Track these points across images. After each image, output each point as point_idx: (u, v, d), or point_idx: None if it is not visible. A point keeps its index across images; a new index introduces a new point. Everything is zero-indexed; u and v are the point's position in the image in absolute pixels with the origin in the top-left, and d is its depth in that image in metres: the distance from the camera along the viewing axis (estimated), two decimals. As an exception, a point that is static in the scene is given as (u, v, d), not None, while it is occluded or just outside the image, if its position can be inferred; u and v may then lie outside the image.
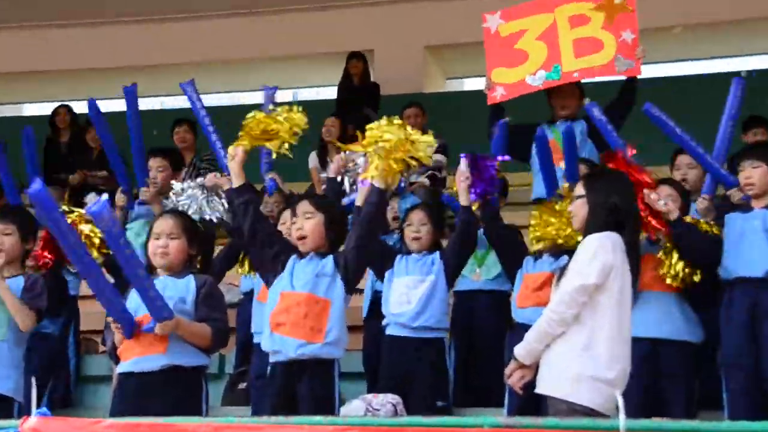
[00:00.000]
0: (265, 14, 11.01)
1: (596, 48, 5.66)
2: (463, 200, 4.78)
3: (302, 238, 4.04)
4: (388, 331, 4.84)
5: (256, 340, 4.89)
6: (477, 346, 5.23)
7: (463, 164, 4.81)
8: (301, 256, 4.06)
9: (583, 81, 5.99)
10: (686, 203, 4.63)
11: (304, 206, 4.06)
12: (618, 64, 5.61)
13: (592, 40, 5.67)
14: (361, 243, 3.95)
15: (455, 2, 10.39)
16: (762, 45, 10.32)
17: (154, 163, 5.63)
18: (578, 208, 3.75)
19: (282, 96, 11.80)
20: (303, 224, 4.02)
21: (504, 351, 5.14)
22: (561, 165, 5.52)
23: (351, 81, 9.60)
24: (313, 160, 8.10)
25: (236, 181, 4.07)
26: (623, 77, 5.81)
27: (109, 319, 3.77)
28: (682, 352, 4.42)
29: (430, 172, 7.57)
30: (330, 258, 4.02)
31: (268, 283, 4.09)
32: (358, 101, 9.17)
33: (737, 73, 9.61)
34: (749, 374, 4.30)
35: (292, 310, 3.92)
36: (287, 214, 5.04)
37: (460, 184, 4.76)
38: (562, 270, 3.68)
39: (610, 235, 3.57)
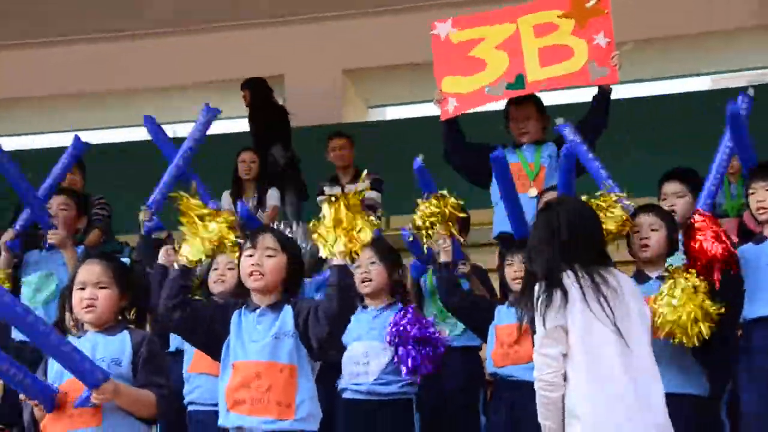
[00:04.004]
0: (154, 37, 10.83)
1: (565, 55, 5.50)
2: None
3: (258, 274, 3.77)
4: (345, 395, 4.73)
5: (192, 408, 4.73)
6: (447, 408, 5.13)
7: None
8: (248, 306, 3.80)
9: (546, 98, 5.92)
10: (674, 235, 4.52)
11: (267, 241, 3.82)
12: (592, 73, 5.45)
13: (561, 48, 5.52)
14: (334, 324, 3.67)
15: (375, 20, 10.46)
16: (717, 62, 10.69)
17: (56, 201, 5.44)
18: None
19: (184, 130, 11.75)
20: (263, 261, 3.77)
21: (478, 412, 5.08)
22: (529, 193, 5.51)
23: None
24: (226, 200, 7.95)
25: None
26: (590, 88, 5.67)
27: (22, 396, 3.57)
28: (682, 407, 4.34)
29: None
30: (288, 310, 3.74)
31: (215, 357, 3.80)
32: (268, 134, 8.97)
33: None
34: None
35: (252, 383, 3.64)
36: (222, 258, 4.90)
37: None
38: None
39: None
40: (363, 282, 4.76)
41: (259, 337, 3.72)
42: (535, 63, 5.54)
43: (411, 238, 5.19)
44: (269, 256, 3.79)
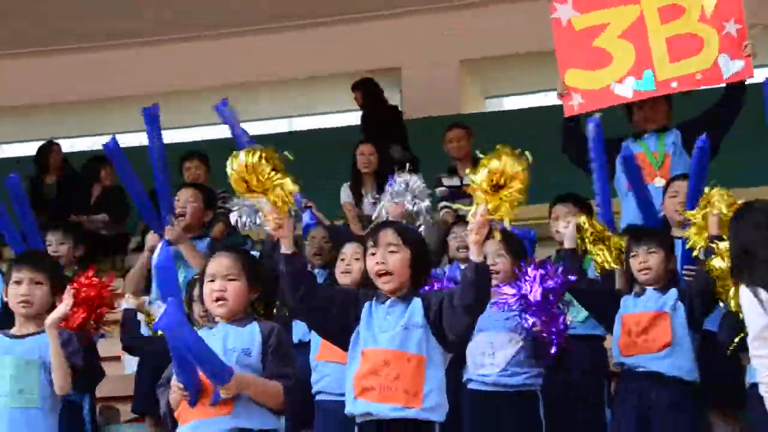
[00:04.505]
0: (277, 32, 10.97)
1: (695, 48, 5.30)
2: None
3: (384, 274, 3.81)
4: (471, 386, 4.73)
5: (320, 398, 4.81)
6: (571, 400, 5.10)
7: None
8: (378, 298, 3.84)
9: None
10: None
11: (389, 236, 3.83)
12: (724, 69, 5.25)
13: (689, 38, 5.31)
14: (462, 321, 3.65)
15: (492, 9, 10.42)
16: None
17: (184, 195, 5.57)
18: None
19: (281, 126, 11.94)
20: (386, 258, 3.79)
21: (603, 403, 5.04)
22: (654, 182, 5.44)
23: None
24: (345, 193, 8.01)
25: (287, 246, 3.76)
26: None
27: (174, 381, 3.67)
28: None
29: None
30: (417, 303, 3.75)
31: (345, 346, 3.83)
32: (382, 134, 8.96)
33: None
34: None
35: (381, 371, 3.68)
36: (348, 248, 4.96)
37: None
38: None
39: None
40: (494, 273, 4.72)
41: (389, 327, 3.74)
42: (664, 57, 5.35)
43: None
44: (392, 252, 3.79)
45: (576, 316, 5.12)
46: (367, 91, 9.36)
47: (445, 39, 10.55)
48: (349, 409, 3.78)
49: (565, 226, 4.87)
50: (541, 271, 4.58)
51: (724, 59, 5.30)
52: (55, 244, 6.02)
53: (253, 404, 3.67)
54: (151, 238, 5.61)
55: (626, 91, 5.44)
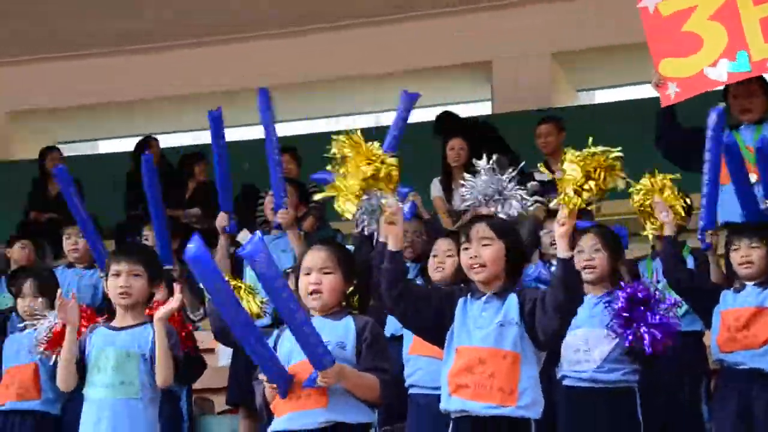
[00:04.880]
0: (365, 27, 11.02)
1: None
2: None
3: (479, 266, 3.79)
4: (566, 383, 4.70)
5: (412, 391, 4.83)
6: (668, 396, 5.04)
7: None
8: (473, 294, 3.82)
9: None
10: None
11: (482, 230, 3.82)
12: None
13: None
14: (555, 322, 3.62)
15: (583, 2, 10.30)
16: None
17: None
18: None
19: (367, 121, 11.97)
20: (480, 252, 3.78)
21: (700, 400, 4.97)
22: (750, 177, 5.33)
23: None
24: (436, 188, 8.03)
25: (395, 244, 3.76)
26: None
27: (261, 376, 3.72)
28: None
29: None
30: (513, 299, 3.73)
31: (441, 344, 3.83)
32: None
33: None
34: None
35: (475, 369, 3.67)
36: (440, 244, 4.97)
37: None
38: None
39: None
40: (585, 268, 4.67)
41: (484, 324, 3.73)
42: (758, 37, 5.18)
43: None
44: (485, 245, 3.78)
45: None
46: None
47: (536, 32, 10.46)
48: (443, 406, 3.78)
49: (666, 214, 4.79)
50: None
51: None
52: (152, 239, 6.16)
53: (349, 398, 3.68)
54: (221, 218, 5.70)
55: (720, 74, 5.29)
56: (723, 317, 4.64)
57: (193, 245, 3.42)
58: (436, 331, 3.83)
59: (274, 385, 3.67)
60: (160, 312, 4.19)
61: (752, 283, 4.64)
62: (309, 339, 3.57)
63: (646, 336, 4.41)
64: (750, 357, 4.50)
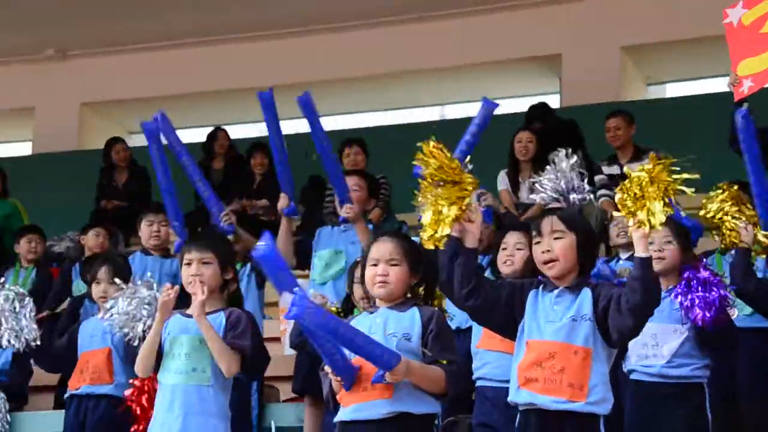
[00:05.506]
0: (434, 20, 11.03)
1: None
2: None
3: (550, 261, 3.77)
4: (634, 377, 4.70)
5: (480, 384, 4.85)
6: (739, 393, 5.01)
7: None
8: (545, 287, 3.81)
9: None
10: None
11: (552, 223, 3.79)
12: None
13: None
14: (632, 322, 3.59)
15: (654, -6, 10.25)
16: None
17: (350, 182, 5.72)
18: None
19: (433, 114, 11.97)
20: (552, 245, 3.76)
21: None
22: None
23: None
24: (503, 180, 8.04)
25: (472, 241, 3.78)
26: None
27: (327, 368, 3.75)
28: None
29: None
30: (586, 293, 3.70)
31: (511, 338, 3.85)
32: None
33: None
34: None
35: (545, 363, 3.66)
36: (510, 238, 4.97)
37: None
38: None
39: None
40: (654, 259, 4.65)
41: (556, 318, 3.73)
42: None
43: None
44: (557, 238, 3.77)
45: (743, 309, 5.02)
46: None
47: (606, 25, 10.40)
48: (512, 398, 3.79)
49: (746, 227, 4.79)
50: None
51: None
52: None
53: (413, 389, 3.70)
54: (282, 200, 5.81)
55: None
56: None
57: (263, 244, 3.49)
58: (507, 325, 3.84)
59: (339, 378, 3.71)
60: (193, 311, 4.26)
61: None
62: (369, 348, 3.62)
63: (692, 304, 4.43)
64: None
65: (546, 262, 3.79)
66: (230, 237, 5.91)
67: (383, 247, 3.89)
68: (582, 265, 3.80)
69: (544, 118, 8.82)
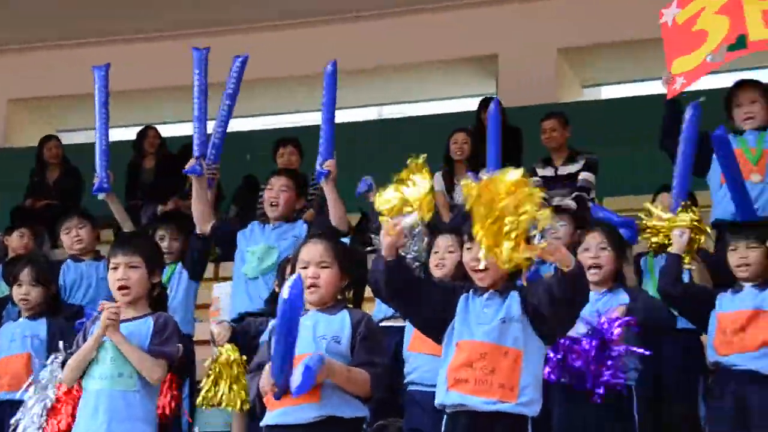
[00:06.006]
0: (370, 20, 11.00)
1: None
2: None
3: (480, 271, 3.76)
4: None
5: (410, 388, 4.83)
6: (664, 395, 5.06)
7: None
8: (475, 291, 3.82)
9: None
10: None
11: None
12: None
13: None
14: (555, 314, 3.63)
15: (591, -4, 10.33)
16: None
17: (277, 183, 5.67)
18: None
19: (371, 113, 11.97)
20: (478, 253, 3.65)
21: (698, 400, 4.98)
22: (751, 178, 5.36)
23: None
24: (438, 182, 8.01)
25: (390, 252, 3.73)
26: None
27: (267, 372, 3.69)
28: None
29: (576, 193, 7.44)
30: (515, 296, 3.74)
31: (438, 340, 3.86)
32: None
33: None
34: None
35: (476, 364, 3.66)
36: (441, 241, 4.94)
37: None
38: None
39: None
40: (591, 268, 4.65)
41: (486, 320, 3.74)
42: (758, 22, 5.31)
43: None
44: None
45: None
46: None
47: (542, 27, 10.46)
48: (439, 400, 3.78)
49: (681, 234, 4.82)
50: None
51: None
52: (168, 239, 6.24)
53: (341, 392, 3.70)
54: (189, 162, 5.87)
55: (719, 56, 5.41)
56: (720, 320, 4.66)
57: (294, 288, 3.50)
58: (436, 326, 3.83)
59: (275, 388, 3.65)
60: (101, 329, 4.14)
61: (750, 284, 4.65)
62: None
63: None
64: (745, 359, 4.51)
65: (475, 271, 3.79)
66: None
67: (314, 250, 3.87)
68: (512, 272, 3.77)
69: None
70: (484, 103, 9.08)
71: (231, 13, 11.14)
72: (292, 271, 3.92)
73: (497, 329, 3.69)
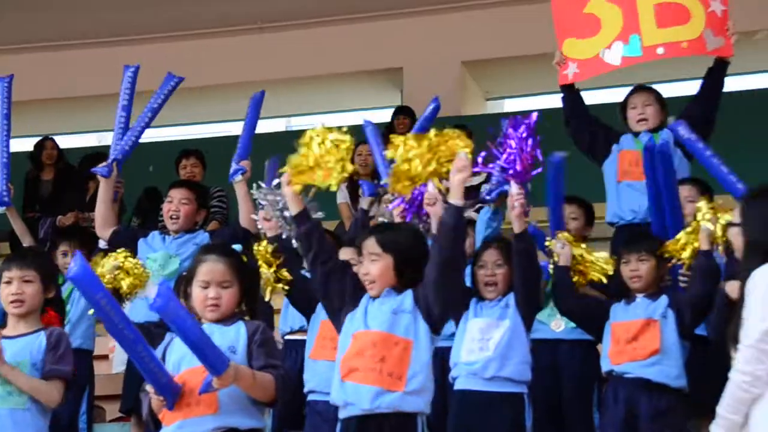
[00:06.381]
0: (277, 31, 11.00)
1: (682, 17, 5.37)
2: (516, 227, 4.58)
3: (369, 283, 3.95)
4: (458, 386, 4.75)
5: (311, 398, 4.83)
6: (560, 404, 5.14)
7: (515, 186, 4.60)
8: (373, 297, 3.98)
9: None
10: None
11: (369, 246, 3.96)
12: (708, 42, 5.35)
13: (677, 8, 5.38)
14: (439, 278, 3.82)
15: (494, 11, 10.45)
16: None
17: (177, 195, 5.63)
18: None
19: (279, 125, 11.93)
20: (369, 268, 3.93)
21: (592, 408, 5.08)
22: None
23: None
24: (342, 193, 8.05)
25: (293, 208, 4.04)
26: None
27: (149, 388, 3.67)
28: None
29: (479, 205, 7.52)
30: (408, 293, 3.90)
31: (339, 327, 3.98)
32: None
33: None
34: None
35: (367, 352, 3.81)
36: (343, 254, 4.93)
37: (514, 208, 4.55)
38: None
39: None
40: (487, 284, 4.80)
41: (379, 312, 3.90)
42: (651, 22, 5.45)
43: None
44: (373, 260, 3.94)
45: (569, 322, 5.16)
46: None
47: (446, 40, 10.59)
48: (333, 396, 3.88)
49: (562, 246, 4.90)
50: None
51: (708, 33, 5.41)
52: (70, 254, 6.08)
53: (240, 403, 3.68)
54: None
55: (615, 58, 5.54)
56: (614, 330, 4.76)
57: (75, 265, 3.42)
58: (339, 308, 3.99)
59: (162, 398, 3.63)
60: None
61: (642, 295, 4.75)
62: (206, 350, 3.54)
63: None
64: (637, 367, 4.61)
65: (366, 283, 3.96)
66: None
67: (216, 269, 3.82)
68: (401, 280, 3.94)
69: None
70: (396, 113, 9.22)
71: (132, 24, 11.03)
72: (187, 287, 3.86)
73: (389, 320, 3.85)
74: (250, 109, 6.08)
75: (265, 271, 4.83)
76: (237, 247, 4.05)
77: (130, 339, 3.54)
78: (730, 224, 3.80)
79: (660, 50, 5.46)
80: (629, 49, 5.48)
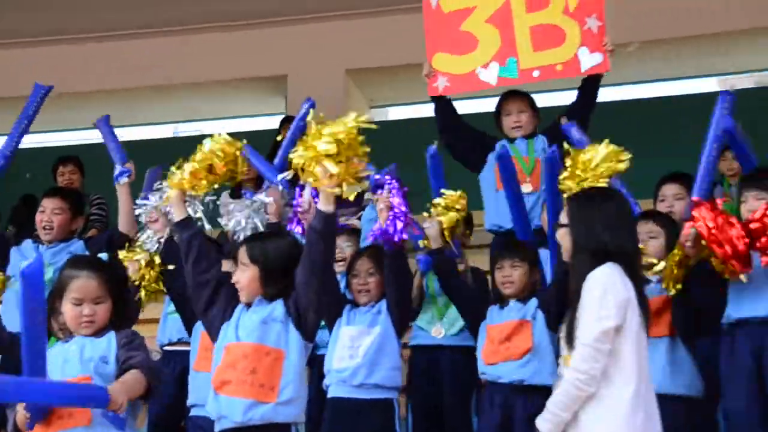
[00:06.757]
0: (161, 36, 10.88)
1: (557, 39, 5.52)
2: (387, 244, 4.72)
3: (240, 291, 4.04)
4: (330, 393, 4.80)
5: (194, 412, 4.82)
6: (440, 409, 5.21)
7: (386, 190, 4.73)
8: (248, 304, 4.02)
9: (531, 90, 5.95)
10: (675, 236, 4.65)
11: (240, 254, 4.04)
12: (583, 60, 5.49)
13: (552, 29, 5.53)
14: (307, 280, 3.88)
15: (378, 20, 10.52)
16: (722, 65, 10.74)
17: (50, 205, 5.52)
18: (563, 238, 3.81)
19: (166, 131, 11.81)
20: (239, 276, 4.02)
21: (470, 413, 5.17)
22: (524, 187, 5.56)
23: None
24: (225, 200, 7.99)
25: (177, 214, 4.09)
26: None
27: (20, 406, 3.57)
28: (679, 407, 4.42)
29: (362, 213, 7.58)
30: (279, 302, 3.95)
31: (213, 337, 4.00)
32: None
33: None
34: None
35: (238, 364, 3.83)
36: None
37: (382, 213, 4.68)
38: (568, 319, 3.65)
39: (611, 266, 3.59)
40: (360, 291, 4.91)
41: (249, 322, 3.93)
42: (527, 45, 5.57)
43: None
44: (242, 270, 4.02)
45: (449, 329, 5.25)
46: None
47: (330, 48, 10.61)
48: (209, 409, 3.90)
49: (429, 225, 4.96)
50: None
51: (583, 52, 5.54)
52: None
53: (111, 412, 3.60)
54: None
55: (491, 77, 5.64)
56: (489, 332, 4.85)
57: (35, 262, 3.39)
58: (214, 318, 4.03)
59: (28, 414, 3.55)
60: None
61: (514, 299, 4.85)
62: (72, 394, 3.52)
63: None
64: (511, 369, 4.70)
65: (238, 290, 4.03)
66: None
67: (89, 286, 3.78)
68: (268, 291, 3.99)
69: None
70: (284, 122, 9.21)
71: (24, 24, 10.83)
72: (57, 301, 3.80)
73: (258, 329, 3.88)
74: (103, 133, 6.00)
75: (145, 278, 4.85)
76: (103, 256, 4.03)
77: (37, 351, 3.48)
78: (559, 225, 3.86)
79: (536, 73, 5.60)
80: (506, 70, 5.60)
